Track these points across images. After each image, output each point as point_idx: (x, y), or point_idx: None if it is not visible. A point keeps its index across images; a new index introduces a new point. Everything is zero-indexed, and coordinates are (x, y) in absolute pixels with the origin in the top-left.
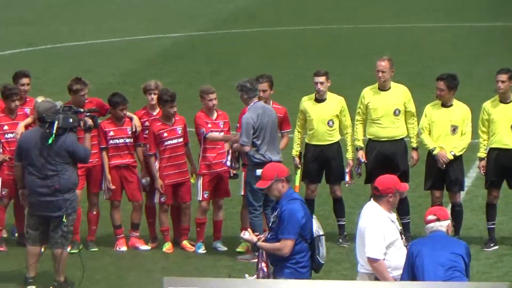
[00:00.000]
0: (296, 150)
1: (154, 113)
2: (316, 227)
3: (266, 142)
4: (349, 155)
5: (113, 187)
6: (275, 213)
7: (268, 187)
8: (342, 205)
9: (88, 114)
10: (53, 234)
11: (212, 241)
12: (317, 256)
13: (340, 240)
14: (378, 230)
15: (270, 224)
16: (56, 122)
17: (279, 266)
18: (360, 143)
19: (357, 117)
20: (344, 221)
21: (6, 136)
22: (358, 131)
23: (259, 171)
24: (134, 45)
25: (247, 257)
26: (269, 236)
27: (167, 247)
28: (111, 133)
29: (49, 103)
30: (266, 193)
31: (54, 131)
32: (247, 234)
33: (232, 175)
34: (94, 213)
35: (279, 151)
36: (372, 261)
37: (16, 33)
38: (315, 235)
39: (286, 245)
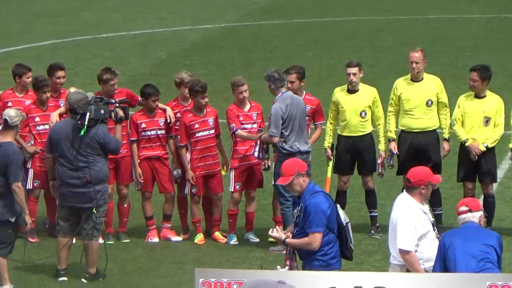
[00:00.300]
0: (328, 141)
1: (186, 105)
2: (343, 216)
3: (294, 132)
4: (381, 146)
5: (141, 180)
6: (298, 208)
7: (289, 183)
8: (374, 196)
9: (119, 105)
10: (85, 225)
11: (244, 232)
12: (350, 244)
13: (372, 232)
14: (409, 222)
15: (295, 220)
16: (88, 113)
17: (308, 259)
18: (393, 134)
19: (390, 108)
20: (376, 213)
21: (37, 128)
22: (390, 122)
23: None
24: (166, 36)
25: (279, 248)
26: (295, 231)
27: (199, 238)
28: (143, 125)
29: (80, 94)
30: None
31: (86, 123)
32: (276, 232)
33: (267, 166)
34: (125, 205)
35: (307, 141)
36: (403, 253)
37: (47, 24)
38: (344, 224)
39: (315, 239)
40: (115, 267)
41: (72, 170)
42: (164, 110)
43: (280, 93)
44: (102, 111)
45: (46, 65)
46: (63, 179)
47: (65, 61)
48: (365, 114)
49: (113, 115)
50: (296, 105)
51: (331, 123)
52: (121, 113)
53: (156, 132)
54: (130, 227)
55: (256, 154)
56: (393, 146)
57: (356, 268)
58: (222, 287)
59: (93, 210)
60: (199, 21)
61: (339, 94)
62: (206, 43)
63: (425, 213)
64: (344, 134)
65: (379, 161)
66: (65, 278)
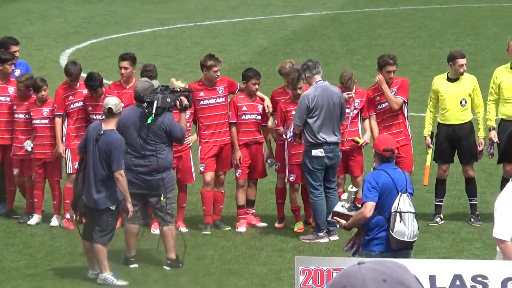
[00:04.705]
0: (428, 129)
1: None
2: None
3: (320, 122)
4: (480, 134)
5: (240, 164)
6: None
7: None
8: (474, 185)
9: (183, 93)
10: (157, 212)
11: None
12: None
13: (472, 220)
14: (507, 211)
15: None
16: (156, 101)
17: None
18: (493, 123)
19: (490, 97)
20: (476, 201)
21: None
22: (490, 111)
23: (314, 152)
24: (268, 24)
25: (310, 237)
26: None
27: (299, 226)
28: (244, 108)
29: (147, 82)
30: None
31: (154, 111)
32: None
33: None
34: (222, 191)
35: (337, 133)
36: (499, 241)
37: (149, 12)
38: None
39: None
40: (215, 254)
41: (138, 158)
42: (263, 100)
43: (315, 82)
44: (169, 100)
45: (145, 53)
46: (129, 166)
47: (165, 49)
48: (465, 102)
49: (178, 103)
50: (327, 96)
51: (431, 111)
52: (185, 101)
53: (255, 116)
54: (230, 215)
55: (288, 134)
56: (493, 134)
57: (456, 256)
58: (322, 275)
59: (161, 198)
60: (301, 8)
61: (440, 82)
62: (307, 31)
63: None
64: (444, 122)
65: (480, 149)
66: (136, 265)
